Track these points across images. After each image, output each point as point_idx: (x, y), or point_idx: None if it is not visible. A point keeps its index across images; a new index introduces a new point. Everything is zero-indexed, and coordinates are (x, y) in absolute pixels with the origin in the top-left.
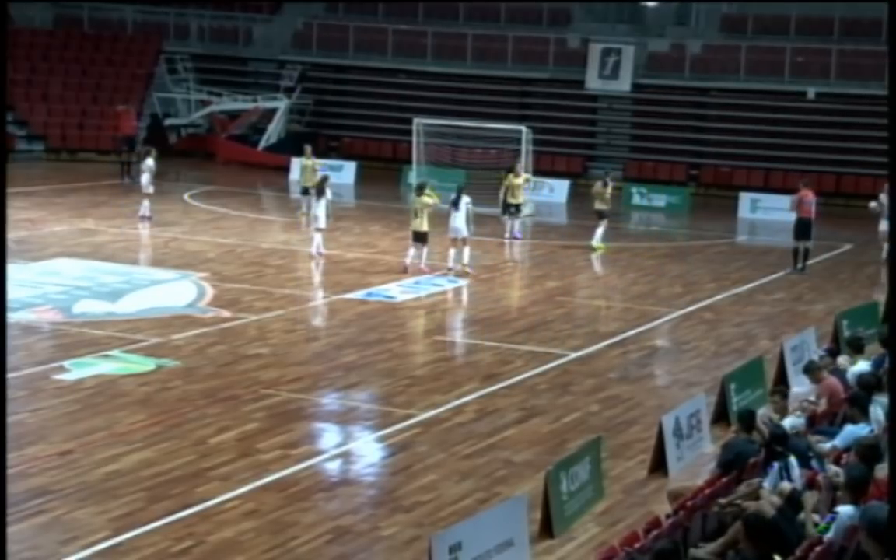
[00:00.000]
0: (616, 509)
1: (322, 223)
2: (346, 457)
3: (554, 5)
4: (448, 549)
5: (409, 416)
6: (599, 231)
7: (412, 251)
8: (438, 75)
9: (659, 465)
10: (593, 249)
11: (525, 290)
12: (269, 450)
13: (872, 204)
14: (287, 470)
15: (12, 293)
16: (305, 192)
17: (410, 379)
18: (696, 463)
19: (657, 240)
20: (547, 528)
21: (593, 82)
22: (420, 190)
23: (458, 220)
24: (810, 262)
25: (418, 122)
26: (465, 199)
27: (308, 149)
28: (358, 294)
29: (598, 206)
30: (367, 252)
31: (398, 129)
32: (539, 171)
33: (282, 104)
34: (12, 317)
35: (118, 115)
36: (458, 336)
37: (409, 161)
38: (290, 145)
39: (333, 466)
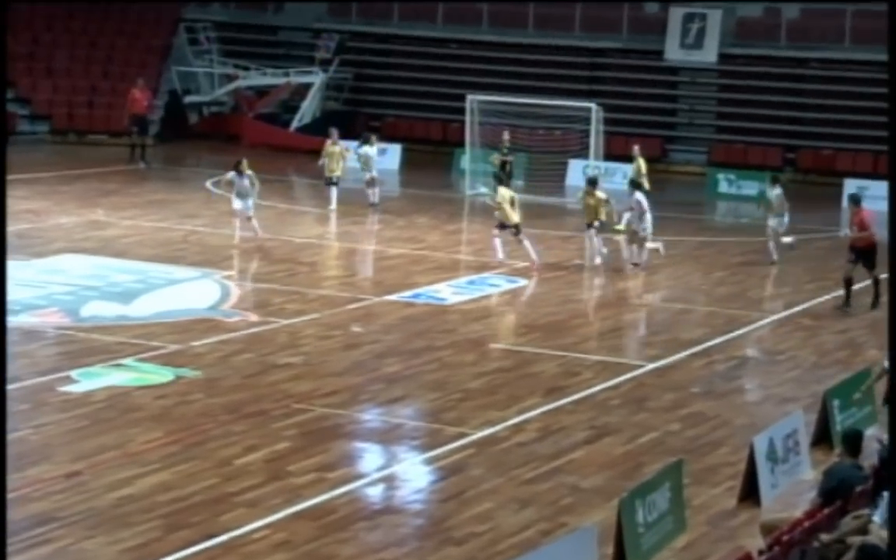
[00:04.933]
0: (700, 543)
1: (239, 205)
2: (389, 481)
3: None
4: None
5: (461, 435)
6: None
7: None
8: (495, 45)
9: (750, 493)
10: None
11: (594, 292)
12: (302, 473)
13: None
14: (322, 496)
15: (13, 294)
16: (330, 182)
17: (463, 392)
18: (792, 491)
19: (747, 233)
20: None
21: (674, 53)
22: (593, 184)
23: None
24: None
25: (472, 99)
26: None
27: (335, 133)
28: (403, 295)
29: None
30: (413, 248)
31: (449, 108)
32: (611, 156)
33: (317, 79)
34: (13, 320)
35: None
36: (518, 344)
37: (461, 144)
38: (326, 126)
39: (375, 492)
